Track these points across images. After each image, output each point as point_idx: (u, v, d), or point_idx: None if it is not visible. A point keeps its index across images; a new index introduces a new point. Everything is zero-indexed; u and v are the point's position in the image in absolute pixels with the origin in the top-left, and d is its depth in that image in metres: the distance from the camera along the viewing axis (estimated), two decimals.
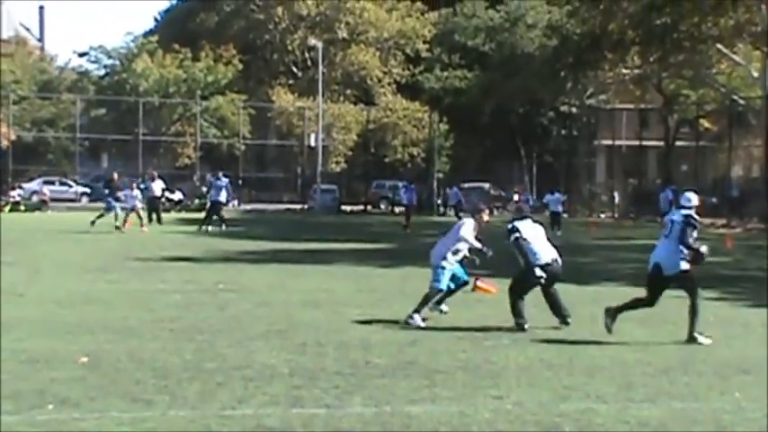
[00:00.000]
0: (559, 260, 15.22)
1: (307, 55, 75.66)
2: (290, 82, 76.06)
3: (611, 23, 48.75)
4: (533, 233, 15.26)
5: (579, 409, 9.71)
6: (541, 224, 15.86)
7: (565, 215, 56.91)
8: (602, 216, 62.65)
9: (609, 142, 72.70)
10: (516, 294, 15.07)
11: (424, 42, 74.87)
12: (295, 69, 77.62)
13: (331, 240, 35.32)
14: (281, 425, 8.90)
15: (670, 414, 9.66)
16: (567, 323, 14.96)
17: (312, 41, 69.82)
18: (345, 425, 8.98)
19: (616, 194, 66.22)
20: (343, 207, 65.90)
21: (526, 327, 14.66)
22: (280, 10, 75.22)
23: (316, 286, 20.32)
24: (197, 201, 61.70)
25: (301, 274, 23.31)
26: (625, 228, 50.53)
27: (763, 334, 14.80)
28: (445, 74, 74.00)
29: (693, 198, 14.61)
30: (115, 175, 42.32)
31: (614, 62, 54.23)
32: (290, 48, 75.78)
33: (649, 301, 14.33)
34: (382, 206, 68.30)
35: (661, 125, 69.74)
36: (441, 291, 15.59)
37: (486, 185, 69.99)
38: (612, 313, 14.25)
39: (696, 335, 13.78)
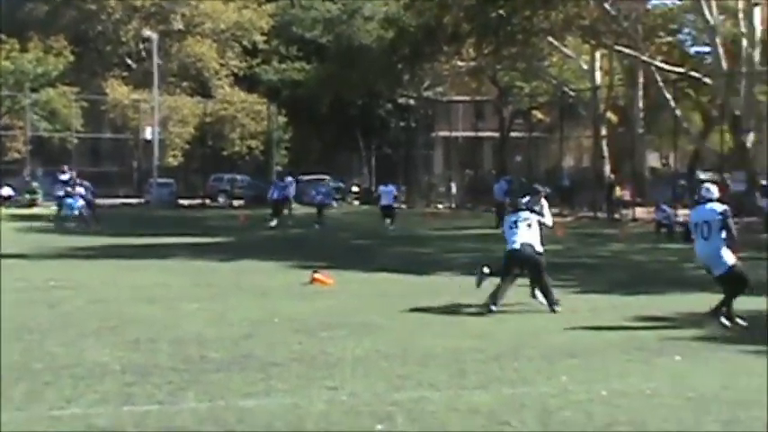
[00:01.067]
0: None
1: (141, 46, 74.46)
2: (125, 74, 74.74)
3: (447, 16, 49.18)
4: None
5: (413, 398, 9.82)
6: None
7: (404, 206, 57.48)
8: (440, 206, 63.36)
9: (446, 134, 73.59)
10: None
11: (262, 34, 74.43)
12: (129, 61, 76.34)
13: (167, 235, 34.94)
14: (112, 424, 8.77)
15: (500, 400, 9.83)
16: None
17: (147, 33, 68.80)
18: (178, 421, 8.90)
19: (453, 185, 67.07)
20: (181, 201, 65.22)
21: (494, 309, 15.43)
22: (113, 1, 73.92)
23: (151, 281, 20.10)
24: (27, 196, 60.29)
25: (137, 269, 23.02)
26: (462, 218, 51.22)
27: (590, 318, 15.20)
28: (283, 66, 73.76)
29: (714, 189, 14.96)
30: None
31: (450, 55, 54.86)
32: (123, 39, 74.42)
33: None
34: (220, 200, 67.79)
35: (496, 117, 70.88)
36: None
37: (327, 178, 70.12)
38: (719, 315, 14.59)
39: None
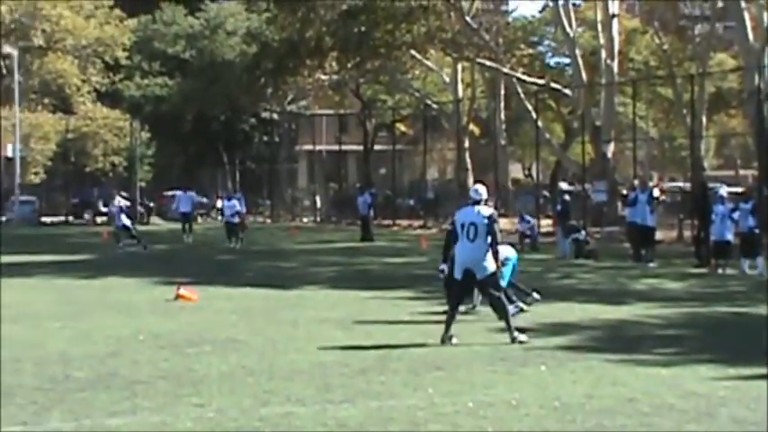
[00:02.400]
0: None
1: (2, 63, 73.10)
2: None
3: (309, 30, 49.37)
4: None
5: (279, 413, 9.90)
6: None
7: (268, 221, 57.31)
8: (305, 220, 63.44)
9: (310, 147, 73.63)
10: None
11: (124, 50, 73.57)
12: None
13: (30, 253, 34.33)
14: None
15: (367, 413, 9.95)
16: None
17: (7, 49, 67.50)
18: None
19: (318, 199, 67.18)
20: (44, 219, 64.07)
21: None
22: None
23: (14, 300, 19.76)
24: None
25: None
26: (327, 231, 51.38)
27: (455, 330, 15.43)
28: (146, 81, 73.12)
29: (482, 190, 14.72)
30: None
31: (313, 68, 54.98)
32: None
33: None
34: (86, 216, 66.74)
35: (360, 130, 71.24)
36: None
37: (191, 193, 69.54)
38: None
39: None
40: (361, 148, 70.43)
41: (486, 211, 14.40)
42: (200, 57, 71.70)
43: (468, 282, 14.30)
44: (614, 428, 9.35)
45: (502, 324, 14.65)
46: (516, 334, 14.12)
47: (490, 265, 14.20)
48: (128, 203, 37.11)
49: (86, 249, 36.92)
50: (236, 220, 38.96)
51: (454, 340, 14.12)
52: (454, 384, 11.37)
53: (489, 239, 14.16)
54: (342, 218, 60.22)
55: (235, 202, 40.67)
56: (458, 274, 14.36)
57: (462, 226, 14.31)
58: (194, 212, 41.10)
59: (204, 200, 40.52)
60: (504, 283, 15.73)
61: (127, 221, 37.24)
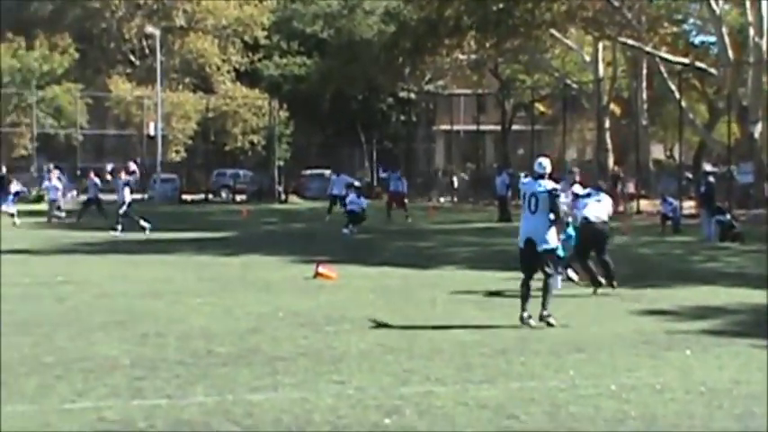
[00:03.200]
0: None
1: (144, 43, 74.53)
2: (128, 71, 74.85)
3: (448, 9, 49.12)
4: None
5: (419, 392, 9.85)
6: None
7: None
8: (442, 200, 63.37)
9: (447, 127, 73.49)
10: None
11: (263, 30, 74.41)
12: (133, 58, 76.42)
13: (171, 230, 34.96)
14: (122, 417, 8.83)
15: (508, 394, 9.86)
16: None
17: (149, 29, 68.78)
18: (187, 415, 8.95)
19: (455, 179, 67.03)
20: (184, 196, 65.25)
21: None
22: None
23: (156, 276, 20.14)
24: (34, 192, 60.30)
25: (141, 264, 23.06)
26: (464, 212, 51.26)
27: (597, 313, 15.23)
28: (284, 61, 73.77)
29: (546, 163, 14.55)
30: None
31: (451, 47, 54.74)
32: (127, 36, 74.51)
33: None
34: (223, 195, 67.81)
35: (498, 110, 70.82)
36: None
37: (328, 172, 70.09)
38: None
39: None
40: (498, 127, 70.03)
41: (550, 184, 14.17)
42: (339, 36, 72.00)
43: (529, 251, 14.06)
44: (764, 415, 9.08)
45: (645, 307, 14.35)
46: (547, 313, 13.89)
47: (551, 239, 14.06)
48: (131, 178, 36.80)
49: (226, 227, 37.45)
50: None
51: (532, 322, 13.76)
52: (596, 367, 11.20)
53: (551, 215, 14.01)
54: (479, 198, 60.01)
55: (344, 176, 42.57)
56: (521, 243, 14.21)
57: (524, 197, 14.27)
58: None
59: (356, 182, 40.58)
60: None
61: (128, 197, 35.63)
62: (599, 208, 17.68)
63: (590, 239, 17.62)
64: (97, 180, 41.05)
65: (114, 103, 72.05)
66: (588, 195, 18.05)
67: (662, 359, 11.68)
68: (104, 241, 29.91)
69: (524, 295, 13.94)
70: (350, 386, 10.11)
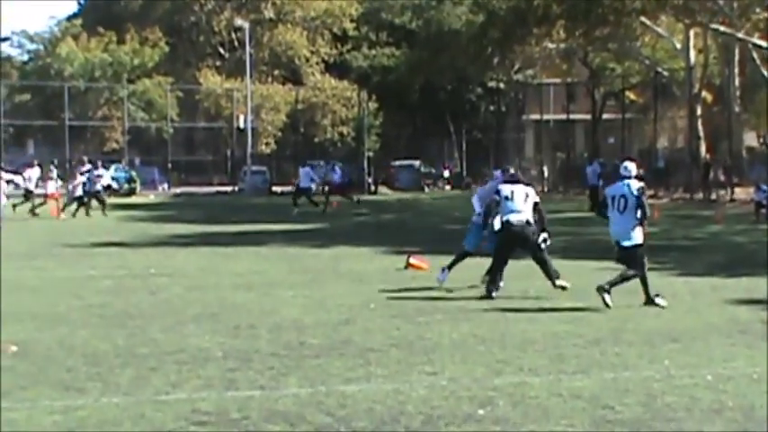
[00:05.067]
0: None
1: (233, 36, 75.17)
2: (218, 63, 75.58)
3: None
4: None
5: (513, 383, 9.79)
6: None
7: None
8: None
9: (537, 117, 73.13)
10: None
11: (351, 21, 74.67)
12: (222, 51, 77.12)
13: (262, 222, 35.22)
14: (217, 408, 8.88)
15: (602, 384, 9.75)
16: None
17: (238, 22, 69.36)
18: (281, 406, 8.97)
19: (545, 169, 66.66)
20: (274, 188, 65.68)
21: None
22: None
23: (247, 268, 20.27)
24: (126, 186, 61.20)
25: (233, 256, 23.23)
26: (554, 201, 50.88)
27: (690, 302, 15.02)
28: (373, 52, 73.97)
29: (632, 167, 15.06)
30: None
31: (540, 37, 54.50)
32: (216, 29, 75.24)
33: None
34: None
35: (588, 99, 70.30)
36: None
37: (417, 163, 70.13)
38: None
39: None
40: (589, 116, 69.55)
41: (636, 185, 14.76)
42: (427, 27, 71.96)
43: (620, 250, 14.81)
44: None
45: (740, 296, 14.11)
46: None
47: (637, 236, 14.61)
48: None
49: (316, 219, 37.60)
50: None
51: (660, 301, 14.49)
52: (691, 357, 11.03)
53: (639, 213, 14.61)
54: (569, 188, 59.63)
55: (308, 168, 42.78)
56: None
57: (613, 199, 14.84)
58: None
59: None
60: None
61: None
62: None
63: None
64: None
65: (204, 95, 72.80)
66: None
67: (758, 349, 11.46)
68: (196, 234, 30.21)
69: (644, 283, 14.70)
70: (443, 377, 10.07)
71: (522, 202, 16.04)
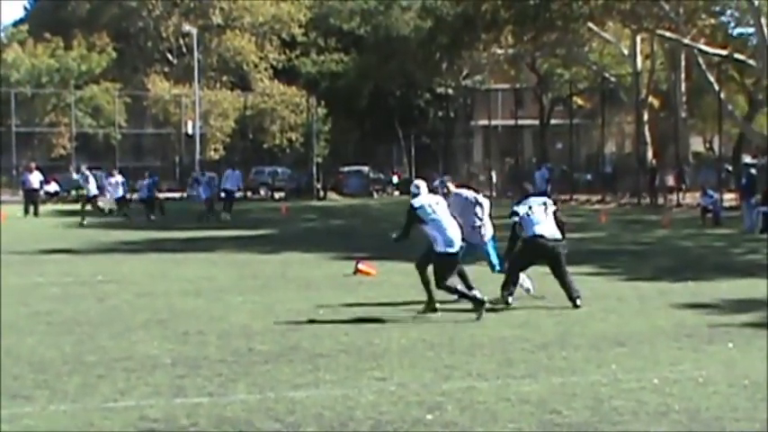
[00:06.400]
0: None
1: (181, 41, 74.82)
2: (166, 69, 75.20)
3: (485, 4, 49.08)
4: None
5: (461, 388, 9.84)
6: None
7: None
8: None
9: (485, 122, 73.28)
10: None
11: (300, 26, 74.58)
12: (170, 56, 76.76)
13: (211, 228, 35.10)
14: (165, 415, 8.86)
15: (550, 389, 9.82)
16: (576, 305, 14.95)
17: (186, 28, 69.08)
18: (230, 413, 8.97)
19: (494, 174, 66.89)
20: (223, 194, 65.30)
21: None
22: None
23: (197, 274, 20.21)
24: (73, 192, 60.71)
25: (182, 262, 23.15)
26: (503, 206, 50.96)
27: (638, 306, 15.15)
28: (322, 58, 73.91)
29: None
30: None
31: (489, 42, 54.64)
32: (164, 35, 74.86)
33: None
34: (262, 192, 67.89)
35: (536, 104, 70.63)
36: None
37: (366, 169, 70.14)
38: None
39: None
40: (537, 122, 69.87)
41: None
42: (376, 32, 72.10)
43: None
44: None
45: (686, 300, 14.26)
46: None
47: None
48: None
49: (266, 224, 37.54)
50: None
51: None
52: (638, 360, 11.14)
53: None
54: (518, 193, 59.79)
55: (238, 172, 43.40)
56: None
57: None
58: None
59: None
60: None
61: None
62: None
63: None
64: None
65: (152, 101, 72.43)
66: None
67: (704, 352, 11.61)
68: (144, 240, 30.06)
69: None
70: (391, 382, 10.10)
71: (543, 215, 15.60)
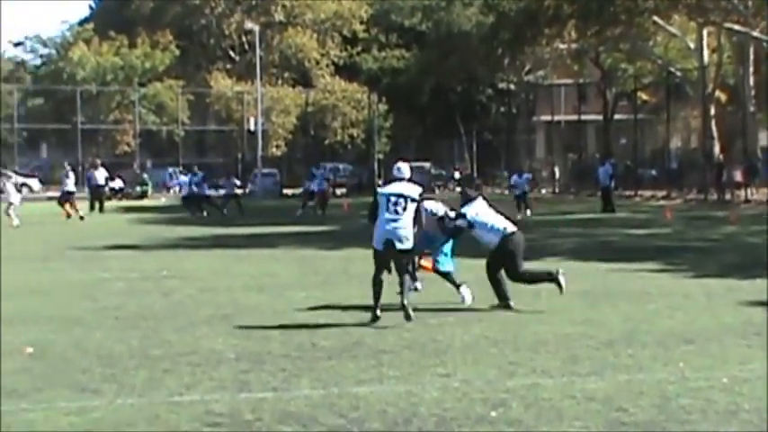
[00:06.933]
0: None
1: (244, 39, 75.27)
2: (228, 66, 75.70)
3: None
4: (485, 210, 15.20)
5: (526, 385, 9.76)
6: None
7: (506, 192, 57.21)
8: (543, 192, 62.94)
9: (548, 118, 73.06)
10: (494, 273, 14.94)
11: (361, 23, 74.74)
12: (232, 54, 77.23)
13: (273, 224, 35.23)
14: (230, 410, 8.87)
15: (616, 386, 9.71)
16: (509, 307, 14.66)
17: (249, 25, 69.44)
18: (293, 407, 8.97)
19: (556, 170, 66.61)
20: (285, 191, 65.69)
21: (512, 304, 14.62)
22: None
23: (259, 270, 20.26)
24: (138, 188, 61.34)
25: (245, 258, 23.23)
26: (566, 202, 50.85)
27: (705, 303, 14.97)
28: (383, 54, 74.03)
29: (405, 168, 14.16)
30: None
31: (551, 37, 54.44)
32: (226, 32, 75.37)
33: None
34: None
35: (599, 99, 70.20)
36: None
37: (427, 165, 70.09)
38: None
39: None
40: (600, 117, 69.45)
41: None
42: (437, 28, 72.03)
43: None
44: None
45: (755, 297, 14.05)
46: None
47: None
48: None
49: (328, 221, 37.60)
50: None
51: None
52: (706, 359, 10.97)
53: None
54: (581, 189, 59.55)
55: (526, 175, 41.89)
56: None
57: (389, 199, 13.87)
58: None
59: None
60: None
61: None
62: None
63: None
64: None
65: (215, 98, 72.94)
66: None
67: None
68: (208, 236, 30.24)
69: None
70: (455, 379, 10.05)
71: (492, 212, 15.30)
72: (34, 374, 10.33)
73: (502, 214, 15.55)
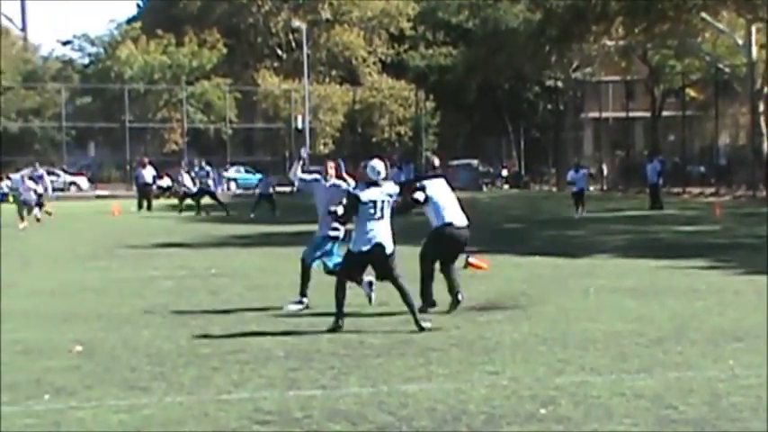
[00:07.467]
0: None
1: (291, 37, 75.48)
2: (276, 64, 75.93)
3: None
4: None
5: (575, 382, 9.73)
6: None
7: (554, 189, 57.02)
8: (591, 189, 62.56)
9: (595, 115, 72.69)
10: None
11: (408, 20, 74.73)
12: (280, 52, 77.46)
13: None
14: (278, 407, 8.91)
15: (665, 384, 9.66)
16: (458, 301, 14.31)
17: (296, 23, 69.66)
18: (342, 405, 8.99)
19: (604, 167, 66.27)
20: None
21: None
22: None
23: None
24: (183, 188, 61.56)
25: (292, 256, 23.16)
26: (614, 200, 50.61)
27: (755, 301, 14.84)
28: (430, 51, 73.95)
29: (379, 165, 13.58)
30: None
31: (599, 34, 54.20)
32: (273, 30, 75.61)
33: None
34: None
35: (647, 96, 69.76)
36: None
37: (475, 162, 69.98)
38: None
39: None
40: (648, 114, 69.03)
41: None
42: (484, 25, 71.86)
43: None
44: None
45: None
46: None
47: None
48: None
49: None
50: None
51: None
52: (756, 356, 10.87)
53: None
54: (629, 186, 59.23)
55: (583, 171, 40.39)
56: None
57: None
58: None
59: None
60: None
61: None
62: None
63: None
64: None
65: (262, 96, 73.20)
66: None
67: None
68: (255, 234, 30.35)
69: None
70: (504, 376, 10.03)
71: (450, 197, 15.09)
72: (83, 373, 10.41)
73: (460, 206, 15.27)
